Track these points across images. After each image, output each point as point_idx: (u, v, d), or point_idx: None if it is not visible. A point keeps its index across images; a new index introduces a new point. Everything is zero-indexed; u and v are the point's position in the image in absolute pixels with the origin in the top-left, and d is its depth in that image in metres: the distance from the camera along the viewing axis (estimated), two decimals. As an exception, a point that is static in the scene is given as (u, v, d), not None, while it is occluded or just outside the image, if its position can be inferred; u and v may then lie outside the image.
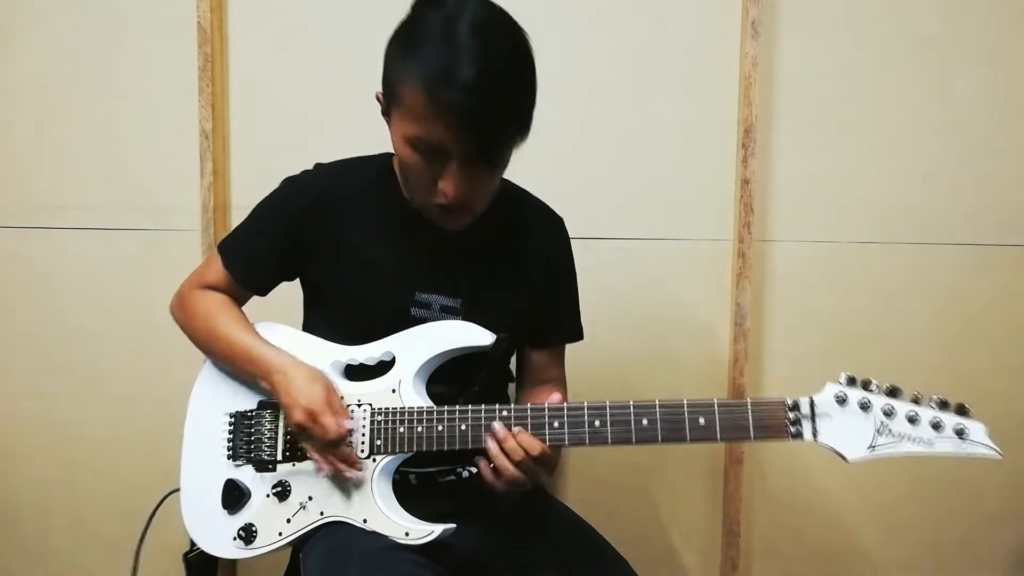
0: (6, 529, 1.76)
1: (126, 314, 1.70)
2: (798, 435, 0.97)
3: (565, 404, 1.04)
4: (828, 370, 1.66)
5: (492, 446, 1.03)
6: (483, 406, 1.06)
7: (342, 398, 1.11)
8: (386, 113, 1.06)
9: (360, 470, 1.07)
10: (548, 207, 1.27)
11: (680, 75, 1.65)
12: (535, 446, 1.02)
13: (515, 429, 1.03)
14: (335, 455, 1.07)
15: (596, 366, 1.64)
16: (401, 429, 1.07)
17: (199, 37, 1.60)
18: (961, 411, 0.92)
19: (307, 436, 1.08)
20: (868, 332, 1.69)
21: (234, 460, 1.14)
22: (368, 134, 1.60)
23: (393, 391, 1.10)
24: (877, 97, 1.65)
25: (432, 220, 1.09)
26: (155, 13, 1.65)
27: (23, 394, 1.73)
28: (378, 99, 1.07)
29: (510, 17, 1.02)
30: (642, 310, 1.69)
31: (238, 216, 1.66)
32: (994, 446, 0.90)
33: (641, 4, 1.64)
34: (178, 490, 1.18)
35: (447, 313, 1.15)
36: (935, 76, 1.65)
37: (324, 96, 1.65)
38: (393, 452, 1.08)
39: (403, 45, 1.01)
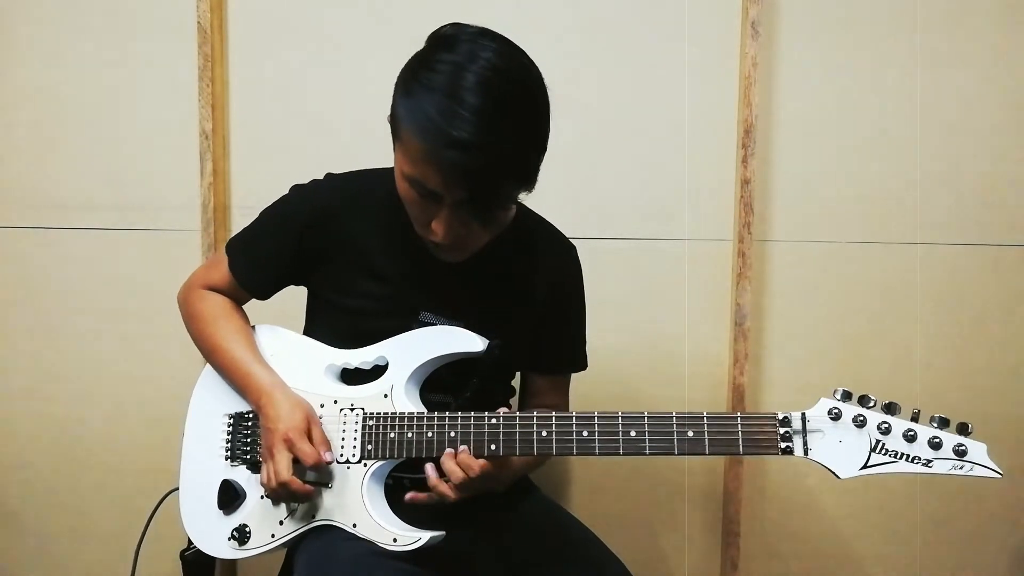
0: (6, 528, 1.76)
1: (126, 314, 1.70)
2: (788, 451, 0.95)
3: (553, 414, 1.03)
4: (828, 370, 1.68)
5: (433, 476, 1.04)
6: (472, 413, 1.05)
7: (335, 400, 1.11)
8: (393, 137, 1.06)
9: (305, 500, 1.07)
10: (560, 234, 1.27)
11: (680, 75, 1.64)
12: (472, 465, 1.02)
13: (460, 448, 1.03)
14: (288, 491, 1.05)
15: (596, 366, 1.63)
16: (392, 434, 1.07)
17: (199, 37, 1.60)
18: (963, 430, 0.90)
19: (272, 463, 1.06)
20: (868, 332, 1.69)
21: (231, 461, 1.15)
22: (368, 134, 1.61)
23: (385, 396, 1.10)
24: (877, 97, 1.65)
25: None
26: (155, 13, 1.65)
27: (23, 394, 1.73)
28: (389, 121, 1.07)
29: (526, 66, 1.00)
30: (642, 310, 1.69)
31: (238, 216, 1.67)
32: (994, 466, 0.88)
33: (641, 4, 1.64)
34: (177, 489, 1.18)
35: None
36: (935, 76, 1.65)
37: (324, 96, 1.65)
38: (384, 457, 1.08)
39: (409, 84, 0.99)
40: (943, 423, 0.90)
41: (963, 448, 0.88)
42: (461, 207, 0.99)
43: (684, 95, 1.65)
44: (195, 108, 1.62)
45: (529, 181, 1.02)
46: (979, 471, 0.88)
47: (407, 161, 0.99)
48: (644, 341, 1.69)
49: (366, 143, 1.60)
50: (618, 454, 1.00)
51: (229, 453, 1.15)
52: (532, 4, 1.60)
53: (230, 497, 1.12)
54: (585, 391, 1.65)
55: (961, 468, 0.88)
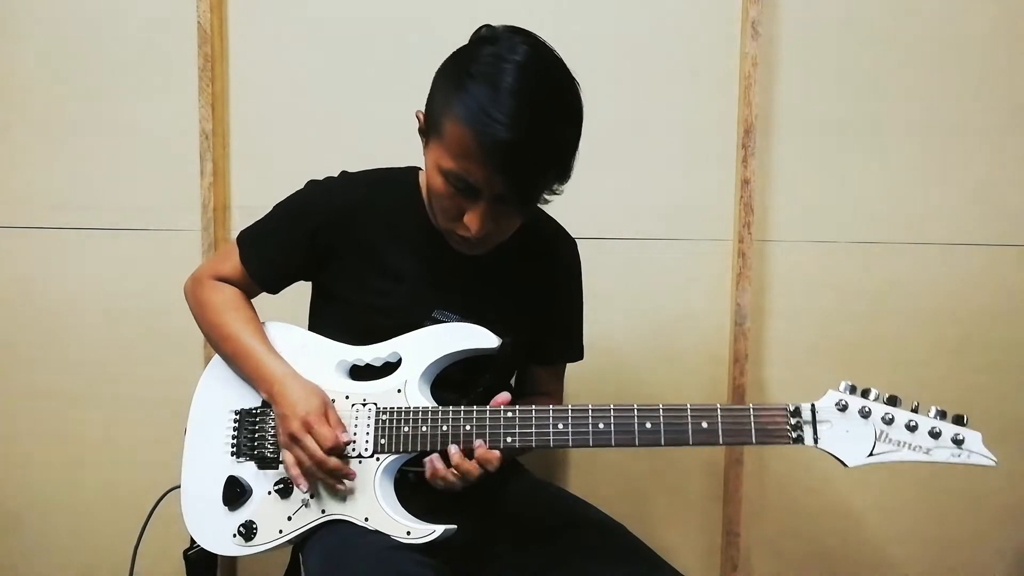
0: (7, 528, 1.76)
1: (126, 314, 1.70)
2: (799, 440, 0.98)
3: (569, 406, 1.05)
4: (828, 370, 1.68)
5: (440, 467, 1.05)
6: (488, 407, 1.06)
7: (347, 396, 1.12)
8: (423, 135, 1.08)
9: (353, 479, 1.08)
10: (563, 228, 1.30)
11: (680, 75, 1.65)
12: (491, 459, 1.04)
13: (476, 444, 1.04)
14: (326, 469, 1.06)
15: (596, 366, 1.63)
16: (406, 429, 1.08)
17: (199, 37, 1.60)
18: (959, 421, 0.93)
19: (299, 447, 1.07)
20: (868, 332, 1.69)
21: (237, 457, 1.15)
22: (369, 133, 1.61)
23: (399, 391, 1.11)
24: (877, 97, 1.65)
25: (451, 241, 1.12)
26: (155, 13, 1.65)
27: (23, 394, 1.73)
28: (418, 117, 1.09)
29: (562, 65, 1.04)
30: (642, 310, 1.69)
31: (238, 216, 1.67)
32: (990, 455, 0.92)
33: (641, 4, 1.64)
34: (178, 487, 1.18)
35: None
36: (935, 76, 1.65)
37: (324, 96, 1.65)
38: (397, 451, 1.09)
39: (451, 78, 1.01)
40: (941, 415, 0.94)
41: (961, 437, 0.92)
42: (499, 201, 1.02)
43: (684, 95, 1.65)
44: (195, 108, 1.62)
45: (563, 176, 1.06)
46: (976, 459, 0.92)
47: (447, 156, 1.00)
48: (644, 341, 1.69)
49: (367, 142, 1.60)
50: (634, 445, 1.01)
51: (235, 449, 1.15)
52: (532, 4, 1.60)
53: (235, 493, 1.12)
54: (585, 391, 1.65)
55: (959, 456, 0.92)
